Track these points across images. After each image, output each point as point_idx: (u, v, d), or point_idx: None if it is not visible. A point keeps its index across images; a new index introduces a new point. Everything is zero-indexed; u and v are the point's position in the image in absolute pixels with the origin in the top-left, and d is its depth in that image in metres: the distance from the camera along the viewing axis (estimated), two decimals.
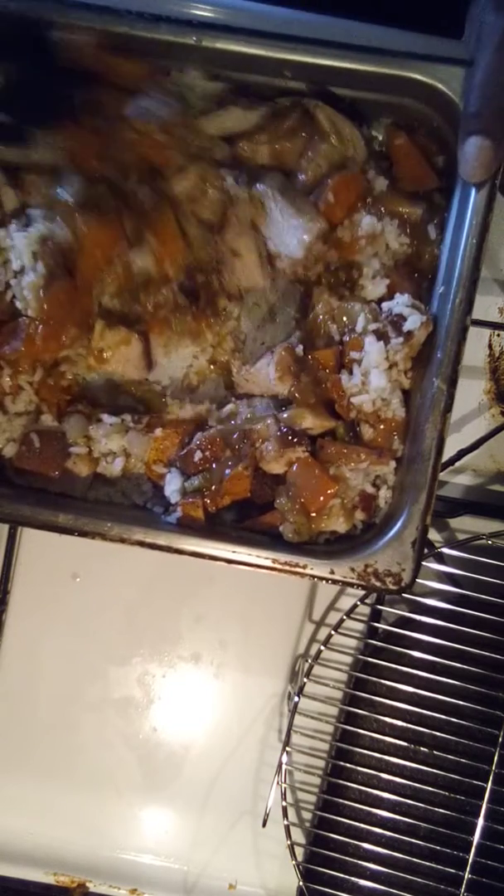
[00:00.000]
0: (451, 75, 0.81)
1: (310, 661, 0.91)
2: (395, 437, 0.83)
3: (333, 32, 0.82)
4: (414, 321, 0.80)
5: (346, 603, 0.96)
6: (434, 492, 0.78)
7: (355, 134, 0.84)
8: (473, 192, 0.79)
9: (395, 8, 0.86)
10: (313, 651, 0.95)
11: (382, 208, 0.85)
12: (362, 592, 0.91)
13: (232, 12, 0.83)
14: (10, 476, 0.85)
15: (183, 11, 0.82)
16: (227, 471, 0.82)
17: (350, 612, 0.91)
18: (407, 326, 0.81)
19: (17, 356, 0.82)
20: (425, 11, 0.86)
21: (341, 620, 0.90)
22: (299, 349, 0.84)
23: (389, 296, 0.85)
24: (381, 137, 0.87)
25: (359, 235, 0.84)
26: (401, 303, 0.82)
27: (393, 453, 0.83)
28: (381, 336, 0.82)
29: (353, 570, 0.78)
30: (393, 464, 0.83)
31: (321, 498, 0.81)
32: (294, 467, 0.82)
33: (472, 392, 0.98)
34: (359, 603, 0.91)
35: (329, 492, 0.81)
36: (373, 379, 0.81)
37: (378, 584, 0.78)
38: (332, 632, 0.90)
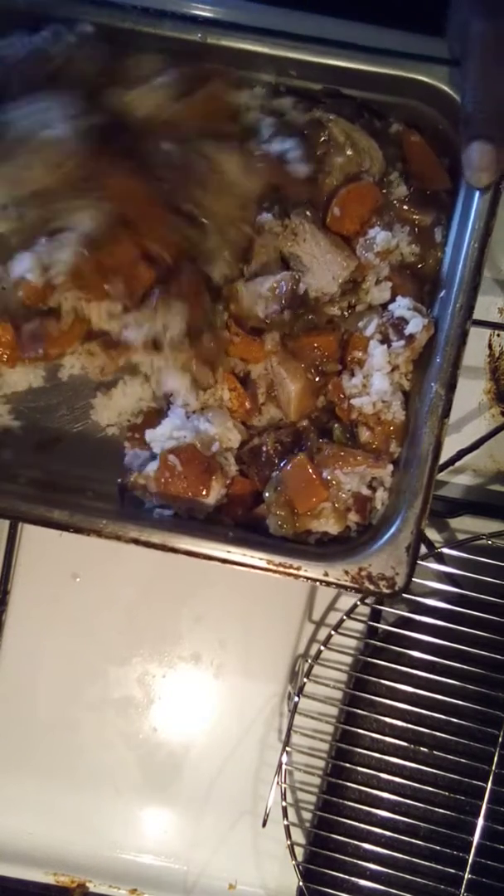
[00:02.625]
0: (455, 77, 0.80)
1: (310, 661, 0.91)
2: (393, 440, 0.83)
3: (341, 34, 0.82)
4: (416, 324, 0.80)
5: (346, 603, 0.96)
6: (430, 496, 0.78)
7: (371, 145, 0.84)
8: (477, 196, 0.79)
9: (377, 7, 0.87)
10: (313, 651, 0.95)
11: (394, 214, 0.85)
12: (338, 590, 0.91)
13: (237, 10, 0.83)
14: None
15: (188, 3, 0.82)
16: None
17: (350, 612, 0.91)
18: (409, 330, 0.80)
19: (44, 358, 0.84)
20: (408, 11, 0.87)
21: (341, 620, 0.90)
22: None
23: (392, 298, 0.85)
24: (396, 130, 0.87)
25: (375, 252, 0.84)
26: (402, 305, 0.82)
27: (390, 456, 0.83)
28: (383, 339, 0.82)
29: (346, 572, 0.78)
30: (390, 467, 0.83)
31: (310, 501, 0.82)
32: (287, 466, 0.82)
33: (472, 392, 0.98)
34: (359, 603, 0.91)
35: (315, 499, 0.81)
36: (375, 381, 0.81)
37: (371, 587, 0.78)
38: (332, 632, 0.90)
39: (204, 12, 0.86)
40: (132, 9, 0.82)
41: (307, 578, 0.79)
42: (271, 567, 0.79)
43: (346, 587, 0.79)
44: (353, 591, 0.79)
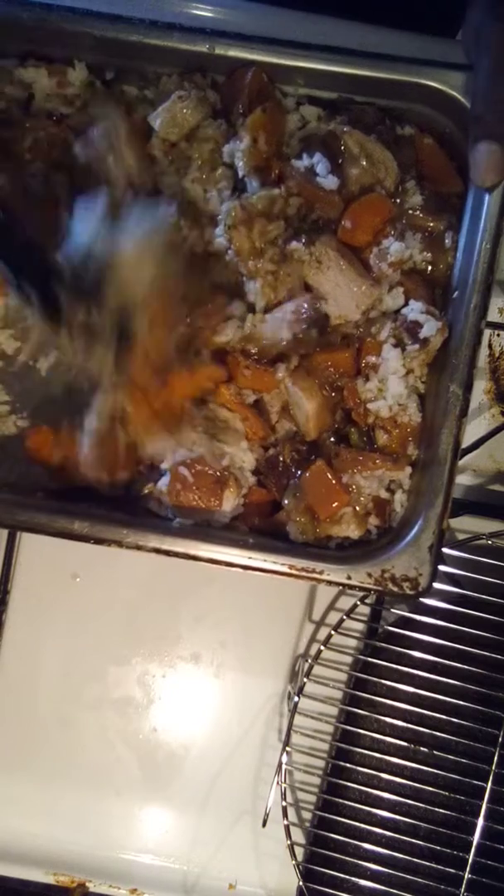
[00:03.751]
0: (462, 81, 0.80)
1: (310, 660, 0.91)
2: (410, 442, 0.83)
3: (345, 37, 0.82)
4: (430, 328, 0.80)
5: (346, 603, 0.96)
6: (451, 496, 0.78)
7: (386, 156, 0.83)
8: (487, 197, 0.79)
9: (391, 9, 0.86)
10: (313, 651, 0.94)
11: (406, 222, 0.84)
12: (362, 593, 0.91)
13: (243, 13, 0.83)
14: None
15: (195, 17, 0.82)
16: None
17: (350, 612, 0.91)
18: (423, 333, 0.80)
19: None
20: (420, 11, 0.86)
21: (341, 620, 0.90)
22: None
23: (404, 302, 0.84)
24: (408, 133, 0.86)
25: (389, 262, 0.83)
26: (415, 309, 0.82)
27: (408, 458, 0.83)
28: (396, 343, 0.82)
29: (370, 575, 0.78)
30: (408, 469, 0.83)
31: (331, 506, 0.82)
32: (306, 472, 0.82)
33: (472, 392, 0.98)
34: (359, 603, 0.91)
35: (336, 504, 0.81)
36: (391, 385, 0.81)
37: (395, 589, 0.78)
38: (332, 632, 0.90)
39: (207, 13, 0.85)
40: (139, 22, 0.82)
41: (330, 582, 0.79)
42: (293, 572, 0.79)
43: (369, 590, 0.79)
44: (377, 594, 0.78)
